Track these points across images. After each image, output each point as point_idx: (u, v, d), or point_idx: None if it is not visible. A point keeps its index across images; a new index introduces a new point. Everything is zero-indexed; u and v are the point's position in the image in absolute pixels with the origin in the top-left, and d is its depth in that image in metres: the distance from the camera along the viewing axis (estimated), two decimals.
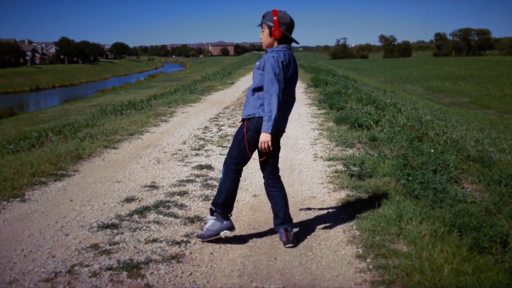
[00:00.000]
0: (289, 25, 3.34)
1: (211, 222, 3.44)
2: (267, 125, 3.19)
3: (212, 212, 3.44)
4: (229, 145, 3.63)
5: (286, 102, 3.37)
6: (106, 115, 10.36)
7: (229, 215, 3.46)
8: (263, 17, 3.38)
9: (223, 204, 3.41)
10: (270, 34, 3.34)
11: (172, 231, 3.66)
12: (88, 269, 3.00)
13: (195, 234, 3.56)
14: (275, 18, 3.29)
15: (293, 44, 3.43)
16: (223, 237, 3.42)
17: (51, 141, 7.09)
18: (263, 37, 3.39)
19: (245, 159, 3.41)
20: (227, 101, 13.40)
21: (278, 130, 3.35)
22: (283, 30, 3.30)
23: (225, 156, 3.50)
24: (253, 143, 3.35)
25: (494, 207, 3.74)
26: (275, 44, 3.36)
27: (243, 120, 3.41)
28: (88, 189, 4.76)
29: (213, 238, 3.41)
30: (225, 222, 3.41)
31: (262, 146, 3.25)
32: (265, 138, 3.22)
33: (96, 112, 11.24)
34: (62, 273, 2.95)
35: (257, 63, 3.37)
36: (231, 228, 3.42)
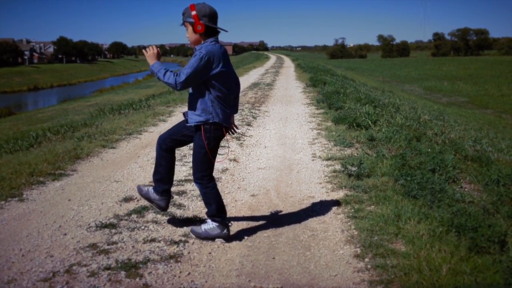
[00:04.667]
0: (211, 16, 3.19)
1: (212, 226, 3.46)
2: (157, 68, 3.29)
3: (213, 219, 3.47)
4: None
5: (226, 95, 3.31)
6: (104, 114, 10.33)
7: (229, 224, 3.52)
8: (183, 14, 3.25)
9: (218, 211, 3.44)
10: (194, 31, 3.21)
11: (170, 231, 3.66)
12: (86, 268, 3.00)
13: (191, 228, 3.58)
14: (193, 13, 3.15)
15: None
16: (217, 242, 3.46)
17: (49, 141, 7.08)
18: (188, 35, 3.27)
19: (213, 165, 3.46)
20: None
21: (220, 125, 3.32)
22: (205, 22, 3.17)
23: (193, 173, 3.47)
24: (215, 148, 3.41)
25: (492, 207, 3.74)
26: (202, 39, 3.25)
27: (195, 127, 3.34)
28: (86, 188, 4.76)
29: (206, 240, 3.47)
30: (224, 231, 3.45)
31: (147, 51, 3.33)
32: (149, 62, 3.33)
33: (94, 112, 11.22)
34: (60, 273, 2.95)
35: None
36: (228, 238, 3.47)
